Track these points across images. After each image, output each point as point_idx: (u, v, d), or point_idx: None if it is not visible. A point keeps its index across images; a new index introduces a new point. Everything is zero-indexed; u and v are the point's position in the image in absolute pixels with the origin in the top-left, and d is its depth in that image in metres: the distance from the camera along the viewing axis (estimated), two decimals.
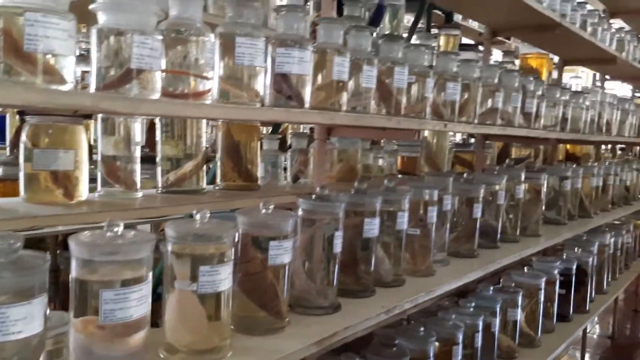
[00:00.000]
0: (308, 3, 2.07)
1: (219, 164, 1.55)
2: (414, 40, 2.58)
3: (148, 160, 1.45)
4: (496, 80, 1.88)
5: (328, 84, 1.24)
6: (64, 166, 1.11)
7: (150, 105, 0.78)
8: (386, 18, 2.05)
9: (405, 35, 2.61)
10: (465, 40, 4.30)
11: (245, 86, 1.06)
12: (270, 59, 1.12)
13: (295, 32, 1.15)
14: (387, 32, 2.04)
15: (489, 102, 1.87)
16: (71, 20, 0.75)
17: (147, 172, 1.50)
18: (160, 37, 0.88)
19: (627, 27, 4.08)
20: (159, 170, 1.39)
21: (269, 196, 1.44)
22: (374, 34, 1.96)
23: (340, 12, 1.95)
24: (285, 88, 1.14)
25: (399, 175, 2.27)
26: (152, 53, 0.86)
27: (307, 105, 1.15)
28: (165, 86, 0.94)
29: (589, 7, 2.74)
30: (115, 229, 0.85)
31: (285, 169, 1.85)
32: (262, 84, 1.09)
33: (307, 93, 1.15)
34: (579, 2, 2.57)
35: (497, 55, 4.55)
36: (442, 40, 2.50)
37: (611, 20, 3.69)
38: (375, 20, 1.96)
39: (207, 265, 0.93)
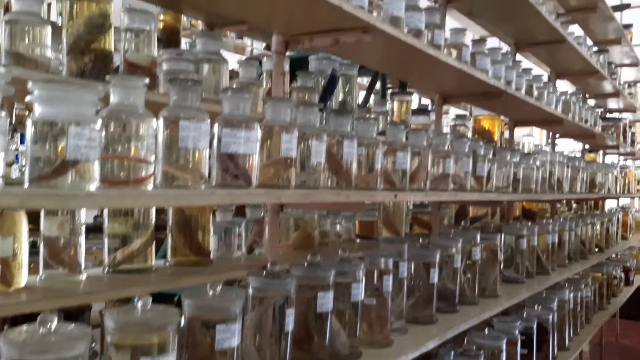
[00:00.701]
0: (262, 76, 2.11)
1: (169, 238, 1.52)
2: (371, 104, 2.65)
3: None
4: (447, 147, 1.93)
5: (276, 161, 1.25)
6: (2, 253, 1.08)
7: (83, 200, 0.77)
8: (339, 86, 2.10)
9: (361, 99, 2.69)
10: (422, 100, 4.42)
11: (190, 169, 1.05)
12: (216, 139, 1.13)
13: (241, 112, 1.16)
14: (340, 100, 2.09)
15: (440, 168, 1.91)
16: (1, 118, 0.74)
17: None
18: (98, 128, 0.87)
19: (573, 89, 4.28)
20: (105, 248, 1.36)
21: (221, 272, 1.42)
22: (328, 103, 2.02)
23: (293, 81, 2.00)
24: (232, 167, 1.14)
25: (357, 240, 2.28)
26: (90, 143, 0.85)
27: (254, 183, 1.15)
28: (106, 173, 0.93)
29: (534, 72, 2.87)
30: (49, 325, 0.82)
31: (240, 235, 1.82)
32: (207, 165, 1.09)
33: (254, 172, 1.16)
34: (524, 69, 2.70)
35: (453, 112, 4.68)
36: (395, 105, 2.57)
37: (558, 82, 3.88)
38: (328, 89, 2.01)
39: (148, 357, 0.90)
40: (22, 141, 2.95)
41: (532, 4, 2.51)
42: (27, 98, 0.84)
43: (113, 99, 0.98)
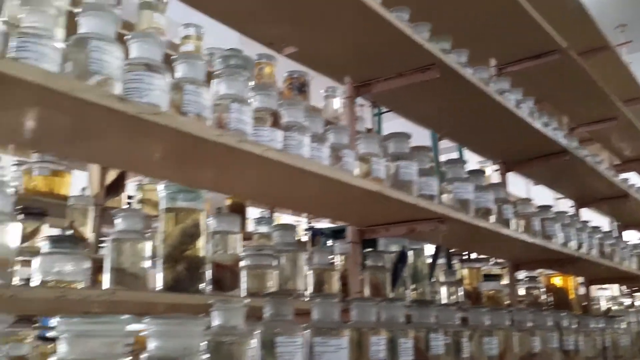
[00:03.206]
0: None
1: None
2: (439, 277, 2.63)
3: None
4: (529, 323, 1.86)
5: None
6: None
7: None
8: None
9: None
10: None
11: None
12: (307, 346, 1.14)
13: (330, 318, 1.18)
14: (411, 273, 2.10)
15: (525, 346, 1.82)
16: None
17: None
18: (205, 358, 0.90)
19: None
20: None
21: None
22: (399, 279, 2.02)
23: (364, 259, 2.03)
24: None
25: None
26: None
27: None
28: None
29: (603, 228, 2.83)
30: None
31: None
32: None
33: None
34: (593, 227, 2.66)
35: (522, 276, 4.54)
36: (465, 272, 2.55)
37: (624, 233, 3.78)
38: (399, 267, 2.03)
39: None
40: None
41: (590, 167, 2.55)
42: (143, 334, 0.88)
43: (215, 321, 1.01)
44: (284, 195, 1.34)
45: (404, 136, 1.54)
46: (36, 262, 1.12)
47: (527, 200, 2.20)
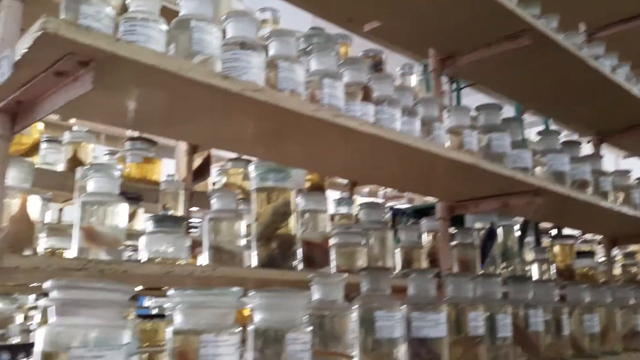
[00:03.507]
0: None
1: None
2: (527, 255, 2.54)
3: None
4: (632, 301, 1.76)
5: (463, 339, 1.21)
6: None
7: None
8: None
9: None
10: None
11: (387, 359, 1.05)
12: (405, 322, 1.13)
13: (427, 294, 1.16)
14: (500, 251, 2.04)
15: (628, 324, 1.73)
16: (237, 334, 0.81)
17: None
18: (309, 329, 0.91)
19: None
20: None
21: None
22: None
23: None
24: (424, 353, 1.12)
25: None
26: (304, 347, 0.89)
27: None
28: None
29: None
30: None
31: None
32: (402, 353, 1.07)
33: (445, 356, 1.13)
34: None
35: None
36: (557, 249, 2.44)
37: None
38: (488, 244, 1.97)
39: None
40: None
41: None
42: (248, 306, 0.91)
43: (315, 295, 1.02)
44: (374, 170, 1.33)
45: (495, 107, 1.49)
46: (142, 240, 1.17)
47: (625, 172, 2.07)
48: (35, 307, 2.41)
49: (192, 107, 0.94)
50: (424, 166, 1.23)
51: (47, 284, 0.68)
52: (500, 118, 1.50)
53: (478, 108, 1.50)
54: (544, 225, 2.90)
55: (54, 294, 0.68)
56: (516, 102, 2.61)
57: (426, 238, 2.07)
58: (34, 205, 1.08)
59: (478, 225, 2.04)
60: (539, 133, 1.76)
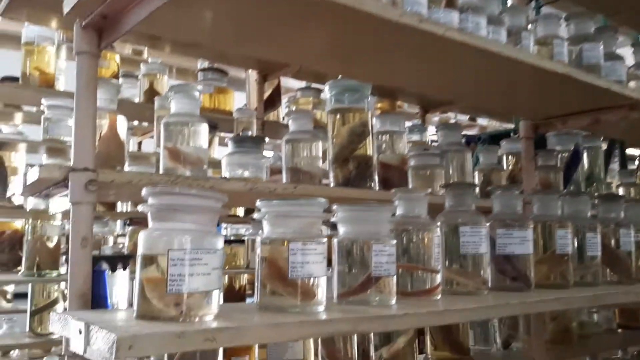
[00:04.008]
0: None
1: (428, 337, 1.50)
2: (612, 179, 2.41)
3: None
4: None
5: (549, 257, 1.18)
6: None
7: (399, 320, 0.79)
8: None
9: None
10: None
11: (471, 274, 1.04)
12: (489, 240, 1.10)
13: (513, 210, 1.13)
14: (586, 175, 1.95)
15: None
16: (323, 244, 0.81)
17: None
18: (394, 242, 0.91)
19: None
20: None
21: None
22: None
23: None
24: (510, 269, 1.10)
25: (619, 330, 2.02)
26: (389, 259, 0.89)
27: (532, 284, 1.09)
28: (398, 286, 0.95)
29: None
30: None
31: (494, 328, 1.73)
32: (487, 270, 1.06)
33: (531, 272, 1.10)
34: None
35: None
36: None
37: None
38: (572, 166, 1.88)
39: None
40: None
41: None
42: (333, 219, 0.91)
43: (399, 210, 1.01)
44: (455, 85, 1.27)
45: (587, 16, 1.37)
46: (224, 160, 1.19)
47: None
48: (123, 235, 2.56)
49: (265, 17, 0.91)
50: (511, 79, 1.16)
51: (144, 191, 0.70)
52: (593, 27, 1.39)
53: (567, 17, 1.39)
54: (630, 152, 2.74)
55: (150, 201, 0.70)
56: (604, 16, 2.41)
57: (505, 162, 2.01)
58: (122, 126, 1.11)
59: (560, 148, 1.94)
60: (633, 44, 1.62)
